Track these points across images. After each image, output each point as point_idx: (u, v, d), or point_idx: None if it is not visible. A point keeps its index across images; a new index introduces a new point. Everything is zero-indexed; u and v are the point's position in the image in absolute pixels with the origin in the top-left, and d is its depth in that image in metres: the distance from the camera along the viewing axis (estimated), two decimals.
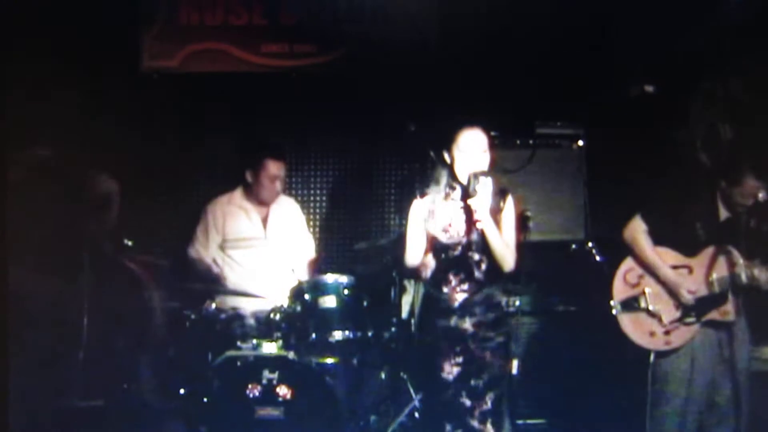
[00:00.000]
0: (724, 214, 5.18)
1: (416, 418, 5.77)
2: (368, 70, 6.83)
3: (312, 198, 6.90)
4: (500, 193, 4.76)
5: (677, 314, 5.13)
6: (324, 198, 6.93)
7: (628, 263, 5.26)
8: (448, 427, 4.69)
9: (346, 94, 6.82)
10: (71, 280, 4.91)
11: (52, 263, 4.93)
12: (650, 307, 5.15)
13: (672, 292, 5.14)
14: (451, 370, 4.70)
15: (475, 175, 4.63)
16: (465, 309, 4.71)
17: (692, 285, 5.12)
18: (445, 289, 4.74)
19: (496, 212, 4.70)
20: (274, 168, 6.18)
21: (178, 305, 5.77)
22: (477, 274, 4.72)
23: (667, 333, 5.13)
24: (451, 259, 4.74)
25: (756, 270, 5.00)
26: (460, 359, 4.70)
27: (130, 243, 5.55)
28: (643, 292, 5.19)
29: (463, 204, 4.73)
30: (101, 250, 5.08)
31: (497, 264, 4.71)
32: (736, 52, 6.02)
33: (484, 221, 4.62)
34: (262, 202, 6.25)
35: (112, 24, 6.51)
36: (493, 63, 6.61)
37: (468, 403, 4.67)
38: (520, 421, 5.80)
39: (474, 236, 4.70)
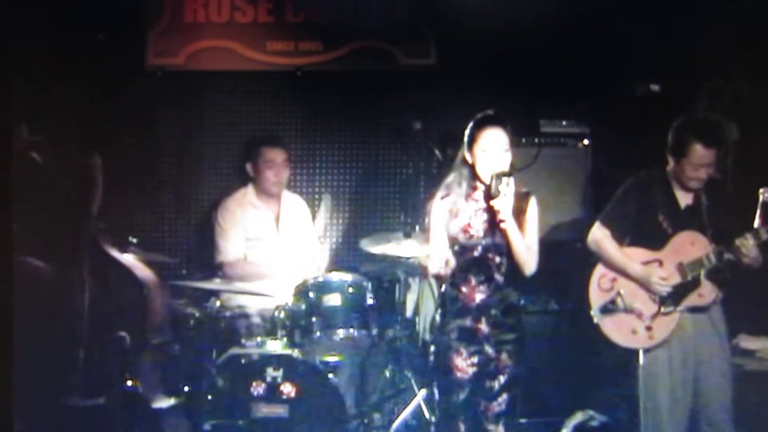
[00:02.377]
0: (684, 201, 5.17)
1: (420, 416, 5.77)
2: (373, 68, 6.83)
3: (316, 196, 6.89)
4: (523, 195, 4.72)
5: (655, 307, 5.14)
6: (329, 195, 6.91)
7: (600, 270, 5.27)
8: (461, 428, 4.68)
9: (351, 92, 6.83)
10: (70, 276, 4.93)
11: (51, 258, 4.96)
12: (628, 306, 5.16)
13: (645, 285, 5.15)
14: (466, 371, 4.67)
15: (498, 176, 4.55)
16: (482, 309, 4.68)
17: (663, 273, 5.12)
18: (464, 289, 4.70)
19: (518, 214, 4.66)
20: (271, 154, 6.22)
21: (183, 303, 5.79)
22: (496, 275, 4.67)
23: (648, 329, 5.12)
24: (471, 259, 4.70)
25: (725, 251, 4.99)
26: (475, 359, 4.66)
27: (134, 241, 5.56)
28: (619, 294, 5.19)
29: (486, 204, 4.68)
30: (94, 235, 5.09)
31: (518, 266, 4.67)
32: (743, 50, 6.00)
33: (506, 223, 4.58)
34: (271, 196, 6.28)
35: (118, 21, 6.52)
36: (498, 61, 6.61)
37: (482, 404, 4.66)
38: (523, 420, 5.79)
39: (495, 237, 4.65)
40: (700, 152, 5.02)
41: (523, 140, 6.40)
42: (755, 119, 5.87)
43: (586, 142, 6.54)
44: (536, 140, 6.48)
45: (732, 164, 5.96)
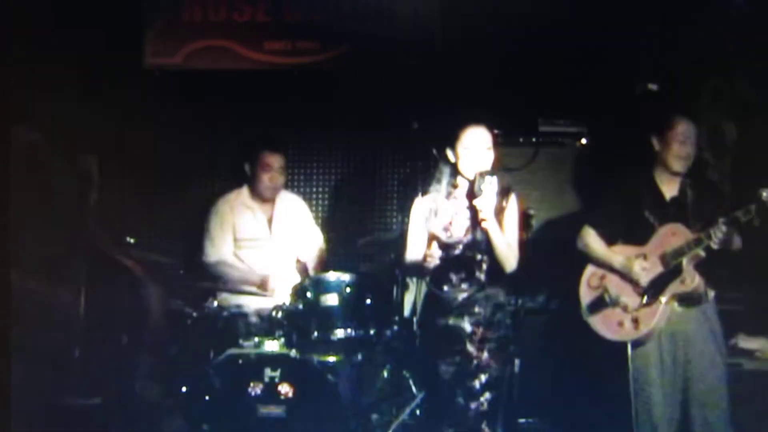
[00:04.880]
0: (669, 193, 5.23)
1: (418, 416, 5.77)
2: (371, 68, 6.83)
3: (314, 195, 6.90)
4: (504, 192, 4.74)
5: (639, 298, 5.16)
6: (326, 195, 6.93)
7: (589, 269, 5.36)
8: (445, 427, 4.68)
9: (349, 92, 6.82)
10: (66, 277, 4.92)
11: (48, 259, 4.95)
12: (614, 299, 5.20)
13: (628, 277, 5.19)
14: (448, 370, 4.69)
15: (482, 175, 4.61)
16: (465, 308, 4.69)
17: (646, 264, 5.15)
18: (446, 288, 4.72)
19: (499, 211, 4.69)
20: (269, 159, 6.19)
21: (180, 303, 5.78)
22: (478, 273, 4.70)
23: (634, 320, 5.16)
24: (453, 258, 4.72)
25: (704, 238, 4.99)
26: (457, 359, 4.68)
27: (132, 241, 5.56)
28: (606, 289, 5.23)
29: (468, 203, 4.71)
30: (91, 235, 5.09)
31: (499, 264, 4.69)
32: (743, 50, 6.01)
33: (488, 222, 4.60)
34: (265, 199, 6.27)
35: (115, 20, 6.51)
36: (496, 60, 6.61)
37: (463, 402, 4.66)
38: (521, 420, 5.80)
39: (476, 235, 4.68)
40: (683, 127, 5.16)
41: (521, 139, 6.41)
42: (754, 120, 5.87)
43: (584, 141, 6.54)
44: (534, 139, 6.48)
45: (730, 165, 5.99)
